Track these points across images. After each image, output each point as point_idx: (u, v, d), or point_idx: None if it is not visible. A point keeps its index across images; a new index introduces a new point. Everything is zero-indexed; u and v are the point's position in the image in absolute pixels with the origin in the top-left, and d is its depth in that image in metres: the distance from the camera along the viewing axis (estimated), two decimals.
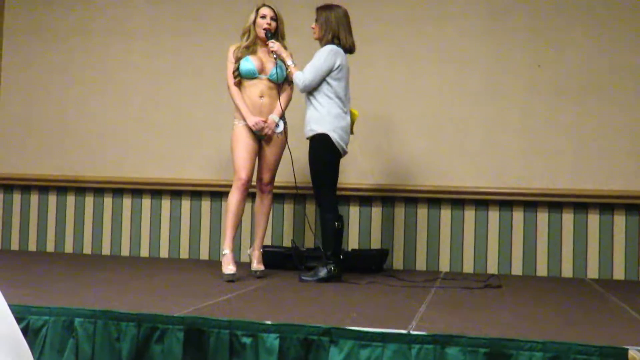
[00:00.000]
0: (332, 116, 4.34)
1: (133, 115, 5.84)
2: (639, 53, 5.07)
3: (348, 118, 4.44)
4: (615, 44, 5.10)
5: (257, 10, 4.47)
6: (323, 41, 4.42)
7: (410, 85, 5.37)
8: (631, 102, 5.07)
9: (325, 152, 4.35)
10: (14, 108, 6.08)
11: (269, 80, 4.45)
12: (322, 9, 4.46)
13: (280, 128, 4.49)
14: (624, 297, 4.00)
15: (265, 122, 4.41)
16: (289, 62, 4.43)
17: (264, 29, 4.43)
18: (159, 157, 5.75)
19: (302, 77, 4.33)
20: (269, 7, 4.49)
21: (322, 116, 4.33)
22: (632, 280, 4.96)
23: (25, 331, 3.00)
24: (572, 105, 5.14)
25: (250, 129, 4.42)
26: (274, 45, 4.40)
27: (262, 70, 4.45)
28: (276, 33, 4.49)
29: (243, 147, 4.42)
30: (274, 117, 4.45)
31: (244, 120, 4.42)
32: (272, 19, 4.47)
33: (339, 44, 4.40)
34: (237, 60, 4.43)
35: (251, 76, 4.43)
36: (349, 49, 4.46)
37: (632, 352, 2.47)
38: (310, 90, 4.37)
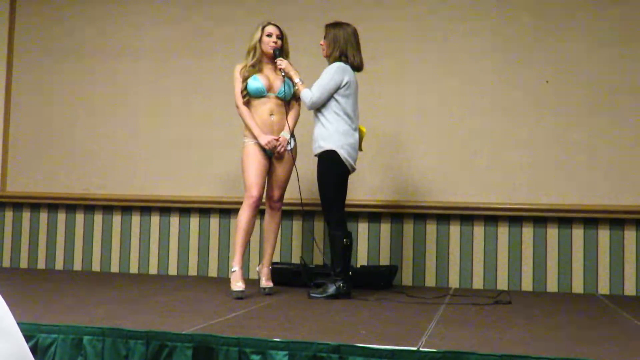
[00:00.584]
0: (340, 133, 4.34)
1: (142, 134, 5.86)
2: None
3: (356, 135, 4.44)
4: (623, 60, 5.10)
5: (263, 28, 4.49)
6: (331, 58, 4.44)
7: (419, 101, 5.37)
8: (639, 116, 5.06)
9: (333, 169, 4.36)
10: (23, 127, 6.12)
11: (277, 98, 4.46)
12: (330, 26, 4.49)
13: (291, 145, 4.50)
14: (636, 313, 3.97)
15: (277, 140, 4.42)
16: (296, 79, 4.45)
17: (272, 48, 4.45)
18: (167, 175, 5.77)
19: (309, 94, 4.35)
20: (275, 25, 4.51)
21: (330, 133, 4.34)
22: None
23: (34, 349, 3.00)
24: (580, 120, 5.13)
25: (260, 146, 4.43)
26: (282, 63, 4.42)
27: (270, 88, 4.46)
28: (282, 51, 4.51)
29: (254, 165, 4.43)
30: (286, 134, 4.46)
31: (254, 138, 4.42)
32: (277, 37, 4.49)
33: (346, 62, 4.41)
34: (245, 79, 4.45)
35: (260, 95, 4.44)
36: (357, 67, 4.48)
37: None
38: (319, 108, 4.38)
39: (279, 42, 4.49)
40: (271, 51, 4.46)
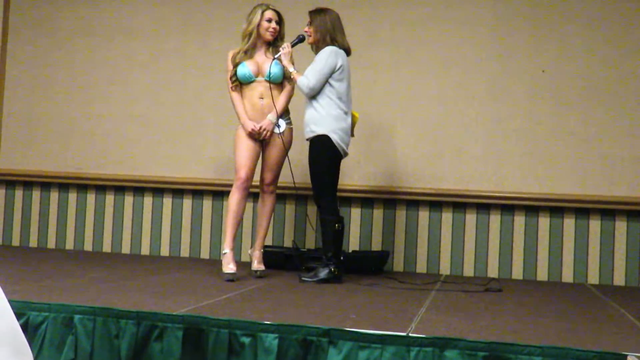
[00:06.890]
0: (332, 117, 4.34)
1: (136, 114, 5.84)
2: None
3: (349, 119, 4.43)
4: (618, 51, 5.10)
5: (263, 12, 4.47)
6: (320, 44, 4.42)
7: (414, 88, 5.37)
8: (634, 108, 5.06)
9: (325, 153, 4.35)
10: (17, 105, 6.09)
11: (267, 81, 4.45)
12: (315, 12, 4.47)
13: (282, 128, 4.49)
14: (624, 303, 4.00)
15: (261, 127, 4.41)
16: (291, 69, 4.42)
17: (271, 34, 4.44)
18: (161, 156, 5.76)
19: (305, 82, 4.33)
20: (274, 10, 4.49)
21: (322, 117, 4.33)
22: (632, 286, 4.95)
23: (24, 327, 3.00)
24: (574, 110, 5.14)
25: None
26: (284, 49, 4.40)
27: (259, 73, 4.45)
28: (283, 37, 4.50)
29: (244, 147, 4.44)
30: (271, 117, 4.45)
31: None
32: (277, 22, 4.48)
33: (337, 46, 4.40)
34: (235, 65, 4.45)
35: (248, 80, 4.45)
36: (347, 51, 4.47)
37: (630, 358, 2.47)
38: None
39: (277, 27, 4.48)
40: (270, 37, 4.45)
